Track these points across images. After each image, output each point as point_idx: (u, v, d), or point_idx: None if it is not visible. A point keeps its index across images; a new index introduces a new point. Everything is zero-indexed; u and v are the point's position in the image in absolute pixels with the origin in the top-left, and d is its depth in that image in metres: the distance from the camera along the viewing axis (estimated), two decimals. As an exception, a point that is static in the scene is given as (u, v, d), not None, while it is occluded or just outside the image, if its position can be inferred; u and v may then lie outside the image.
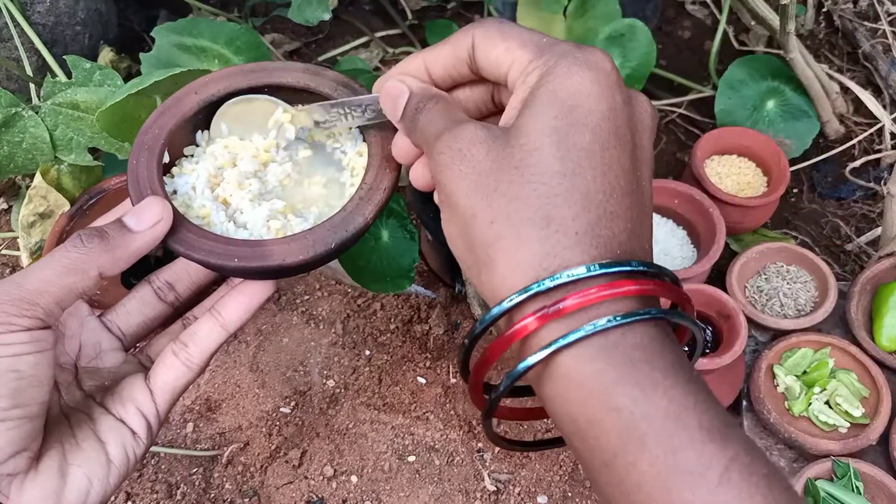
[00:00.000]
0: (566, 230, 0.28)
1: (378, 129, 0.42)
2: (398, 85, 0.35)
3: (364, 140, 0.44)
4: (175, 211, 0.38)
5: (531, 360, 0.28)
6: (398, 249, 0.70)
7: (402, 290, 0.69)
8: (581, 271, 0.27)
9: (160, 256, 0.65)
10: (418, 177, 0.36)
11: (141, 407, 0.38)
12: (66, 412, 0.38)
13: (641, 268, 0.28)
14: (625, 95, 0.30)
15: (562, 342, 0.27)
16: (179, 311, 0.44)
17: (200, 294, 0.44)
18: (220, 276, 0.44)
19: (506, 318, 0.29)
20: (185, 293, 0.43)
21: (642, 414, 0.26)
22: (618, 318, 0.27)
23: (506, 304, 0.28)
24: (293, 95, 0.45)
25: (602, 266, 0.27)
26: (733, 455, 0.25)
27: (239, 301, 0.40)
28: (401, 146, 0.37)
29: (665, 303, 0.30)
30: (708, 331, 0.74)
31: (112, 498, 0.72)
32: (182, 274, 0.43)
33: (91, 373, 0.40)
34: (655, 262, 0.30)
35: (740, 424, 0.75)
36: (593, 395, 0.27)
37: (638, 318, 0.27)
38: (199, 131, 0.44)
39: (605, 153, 0.29)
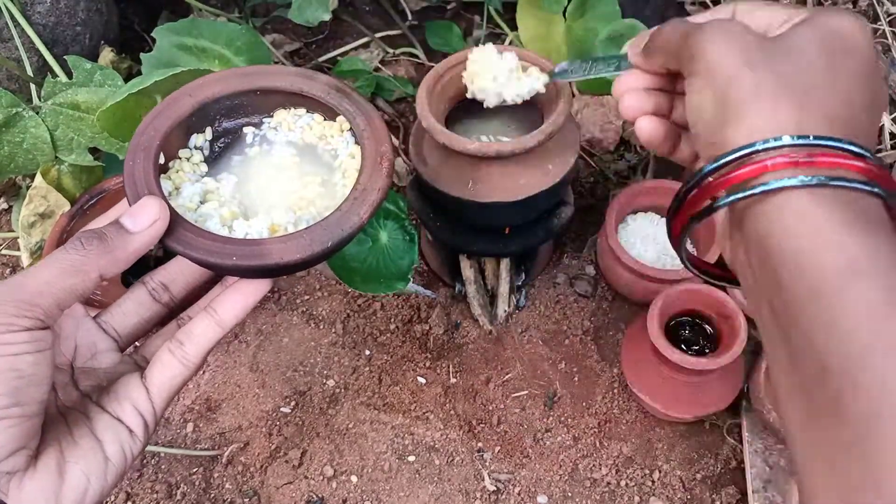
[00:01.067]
0: (821, 111, 0.31)
1: (371, 133, 0.43)
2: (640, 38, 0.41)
3: (356, 142, 0.44)
4: (172, 210, 0.38)
5: (763, 187, 0.30)
6: (397, 251, 0.70)
7: (394, 291, 0.69)
8: (834, 142, 0.30)
9: (160, 256, 0.65)
10: (646, 128, 0.40)
11: (137, 405, 0.39)
12: (62, 411, 0.38)
13: (877, 160, 0.31)
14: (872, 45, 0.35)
15: (798, 181, 0.30)
16: (174, 311, 0.44)
17: (195, 295, 0.44)
18: (214, 278, 0.44)
19: (734, 165, 0.32)
20: (179, 294, 0.43)
21: (869, 255, 0.28)
22: (861, 183, 0.30)
23: (760, 146, 0.31)
24: (286, 98, 0.45)
25: (854, 144, 0.31)
26: None
27: (234, 299, 0.41)
28: (631, 102, 0.41)
29: None
30: (708, 330, 0.75)
31: (112, 498, 0.72)
32: (177, 275, 0.43)
33: (87, 373, 0.40)
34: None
35: (739, 424, 0.75)
36: (821, 231, 0.29)
37: (874, 189, 0.30)
38: (194, 134, 0.44)
39: (860, 74, 0.33)
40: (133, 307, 0.42)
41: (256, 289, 0.41)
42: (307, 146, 0.46)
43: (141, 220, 0.37)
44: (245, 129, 0.46)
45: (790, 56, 0.33)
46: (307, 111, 0.46)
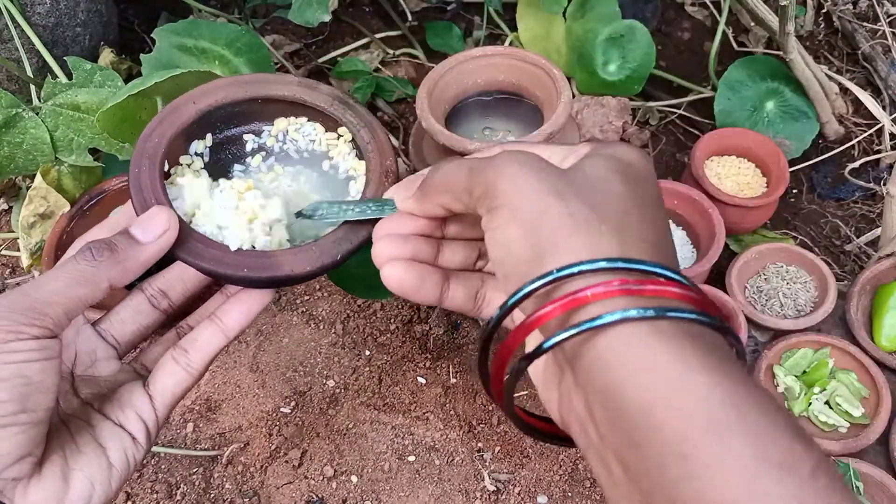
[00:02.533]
0: (639, 239, 0.30)
1: (376, 146, 0.43)
2: (407, 183, 0.38)
3: (358, 156, 0.44)
4: (181, 220, 0.38)
5: (602, 320, 0.27)
6: None
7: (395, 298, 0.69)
8: (662, 269, 0.29)
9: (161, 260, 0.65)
10: (391, 275, 0.36)
11: (140, 412, 0.39)
12: (64, 419, 0.38)
13: (695, 287, 0.29)
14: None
15: (640, 313, 0.27)
16: (173, 318, 0.44)
17: (194, 302, 0.44)
18: (213, 285, 0.44)
19: (545, 295, 0.29)
20: (178, 301, 0.43)
21: (734, 403, 0.25)
22: (697, 314, 0.27)
23: (585, 266, 0.28)
24: (288, 107, 0.45)
25: (678, 273, 0.29)
26: (819, 457, 0.24)
27: (239, 308, 0.41)
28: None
29: None
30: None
31: (112, 498, 0.72)
32: (175, 282, 0.43)
33: (87, 381, 0.40)
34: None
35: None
36: (674, 379, 0.25)
37: (716, 323, 0.28)
38: (195, 140, 0.44)
39: (656, 200, 0.32)
40: (132, 314, 0.42)
41: (261, 298, 0.41)
42: (308, 155, 0.46)
43: (151, 231, 0.37)
44: (245, 137, 0.46)
45: (596, 185, 0.31)
46: (308, 120, 0.46)
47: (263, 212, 0.41)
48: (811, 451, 0.24)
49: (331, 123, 0.46)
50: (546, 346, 0.28)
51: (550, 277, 0.28)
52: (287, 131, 0.46)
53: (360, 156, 0.44)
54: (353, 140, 0.45)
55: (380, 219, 0.38)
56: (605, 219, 0.29)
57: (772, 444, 0.24)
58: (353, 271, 0.68)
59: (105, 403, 0.39)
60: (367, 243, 0.40)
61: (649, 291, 0.28)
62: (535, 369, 0.35)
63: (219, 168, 0.45)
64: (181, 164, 0.44)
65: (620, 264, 0.28)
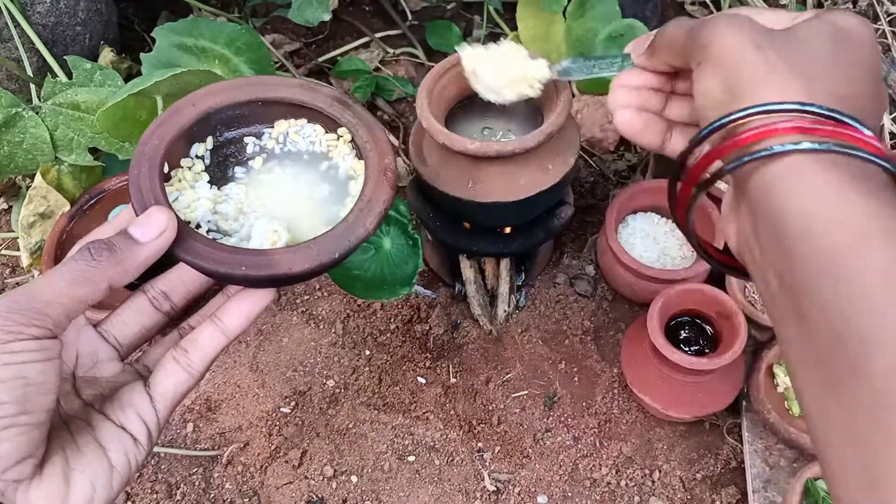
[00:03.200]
0: (829, 91, 0.31)
1: (374, 145, 0.44)
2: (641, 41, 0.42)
3: (358, 155, 0.44)
4: (179, 220, 0.38)
5: (779, 148, 0.30)
6: (401, 258, 0.70)
7: (397, 297, 0.69)
8: (843, 116, 0.30)
9: (163, 261, 0.65)
10: (621, 119, 0.42)
11: (141, 413, 0.39)
12: (65, 420, 0.38)
13: (885, 146, 0.32)
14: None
15: (808, 145, 0.29)
16: (174, 320, 0.44)
17: (195, 303, 0.44)
18: (214, 287, 0.44)
19: (733, 130, 0.32)
20: (180, 302, 0.43)
21: (879, 218, 0.27)
22: (869, 154, 0.29)
23: (770, 107, 0.31)
24: (288, 109, 0.46)
25: (861, 122, 0.31)
26: None
27: (240, 308, 0.41)
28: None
29: None
30: (708, 330, 0.75)
31: (112, 498, 0.72)
32: (177, 283, 0.43)
33: (89, 382, 0.40)
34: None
35: (739, 424, 0.75)
36: (833, 199, 0.28)
37: (887, 166, 0.30)
38: (196, 143, 0.44)
39: (865, 64, 0.33)
40: (133, 316, 0.43)
41: (261, 298, 0.41)
42: (308, 157, 0.46)
43: (149, 231, 0.37)
44: (246, 140, 0.46)
45: (798, 43, 0.33)
46: (308, 122, 0.46)
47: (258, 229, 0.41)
48: None
49: (330, 124, 0.46)
50: (726, 169, 0.32)
51: (735, 116, 0.32)
52: (287, 133, 0.46)
53: (360, 155, 0.44)
54: (352, 140, 0.45)
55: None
56: (799, 70, 0.32)
57: None
58: (354, 273, 0.68)
59: (106, 404, 0.39)
60: (366, 240, 0.40)
61: (824, 132, 0.30)
62: (724, 203, 0.37)
63: (220, 170, 0.45)
64: (182, 167, 0.44)
65: (800, 107, 0.31)
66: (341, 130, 0.45)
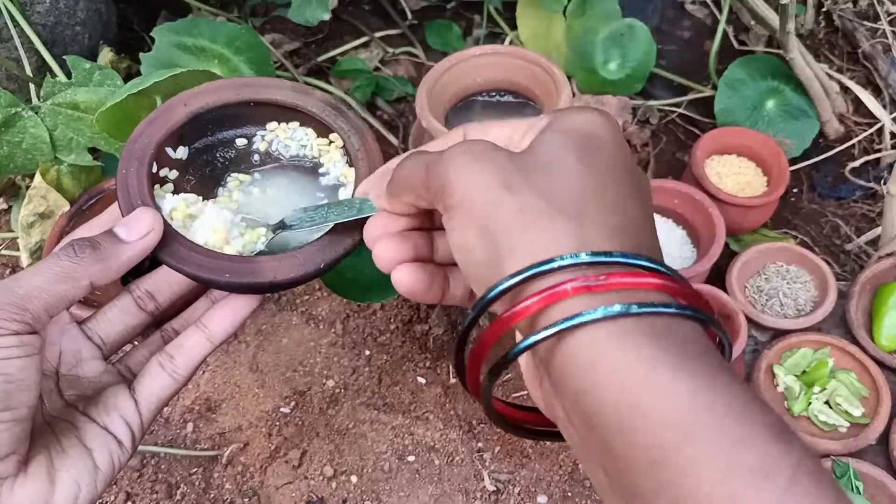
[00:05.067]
0: (598, 225, 0.27)
1: (365, 153, 0.43)
2: (378, 175, 0.37)
3: (349, 163, 0.44)
4: (166, 223, 0.38)
5: (559, 325, 0.25)
6: None
7: (394, 298, 0.69)
8: (627, 258, 0.26)
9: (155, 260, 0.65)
10: (404, 279, 0.34)
11: (126, 416, 0.39)
12: (49, 421, 0.38)
13: (672, 272, 0.27)
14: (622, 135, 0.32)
15: (601, 313, 0.25)
16: (159, 320, 0.44)
17: (181, 305, 0.44)
18: (200, 288, 0.44)
19: (513, 296, 0.28)
20: (165, 303, 0.43)
21: (704, 404, 0.23)
22: (671, 307, 0.25)
23: (542, 267, 0.26)
24: (280, 112, 0.45)
25: (649, 259, 0.27)
26: (799, 457, 0.23)
27: (224, 314, 0.41)
28: (385, 249, 0.35)
29: None
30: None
31: (111, 497, 0.72)
32: (163, 284, 0.43)
33: (71, 381, 0.40)
34: None
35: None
36: (642, 382, 0.24)
37: (689, 313, 0.26)
38: (182, 146, 0.44)
39: (621, 172, 0.30)
40: (118, 315, 0.42)
41: (246, 304, 0.41)
42: (299, 161, 0.46)
43: (134, 231, 0.37)
44: (238, 142, 0.46)
45: (549, 170, 0.29)
46: (300, 125, 0.46)
47: (242, 239, 0.41)
48: (791, 452, 0.23)
49: (322, 129, 0.45)
50: (511, 353, 0.28)
51: (504, 286, 0.27)
52: (279, 136, 0.46)
53: (351, 163, 0.44)
54: (343, 146, 0.45)
55: (362, 218, 0.37)
56: (560, 209, 0.27)
57: (747, 449, 0.23)
58: (348, 275, 0.68)
59: (90, 406, 0.39)
60: (352, 251, 0.40)
61: (615, 285, 0.26)
62: (524, 367, 0.33)
63: (210, 171, 0.45)
64: (171, 168, 0.43)
65: (575, 260, 0.26)
66: (333, 136, 0.45)
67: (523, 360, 0.33)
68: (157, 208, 0.39)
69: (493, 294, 0.28)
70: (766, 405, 0.24)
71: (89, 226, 0.42)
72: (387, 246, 0.35)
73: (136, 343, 0.44)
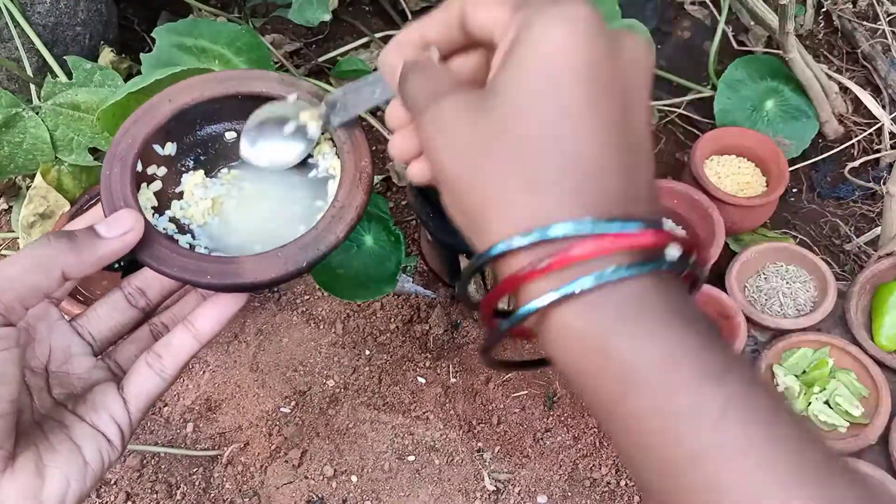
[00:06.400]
0: (550, 190, 0.27)
1: (352, 146, 0.42)
2: (394, 54, 0.34)
3: (336, 155, 0.44)
4: (147, 224, 0.38)
5: (523, 311, 0.27)
6: (383, 254, 0.70)
7: (383, 295, 0.69)
8: (563, 229, 0.26)
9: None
10: (416, 173, 0.35)
11: (114, 416, 0.39)
12: (38, 420, 0.38)
13: (633, 225, 0.27)
14: (608, 41, 0.28)
15: (550, 297, 0.26)
16: (150, 316, 0.44)
17: (172, 300, 0.44)
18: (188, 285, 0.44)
19: (498, 268, 0.29)
20: (155, 300, 0.43)
21: (637, 362, 0.26)
22: (605, 275, 0.26)
23: (491, 253, 0.28)
24: (266, 103, 0.44)
25: (592, 223, 0.26)
26: (731, 393, 0.25)
27: (211, 313, 0.41)
28: (396, 142, 0.36)
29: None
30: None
31: (112, 497, 0.72)
32: (153, 280, 0.43)
33: (61, 378, 0.40)
34: None
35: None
36: (591, 347, 0.26)
37: (625, 274, 0.26)
38: (169, 142, 0.44)
39: (588, 108, 0.27)
40: (109, 311, 0.42)
41: (232, 302, 0.42)
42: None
43: (114, 228, 0.37)
44: (227, 136, 0.46)
45: (508, 127, 0.28)
46: None
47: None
48: (721, 387, 0.25)
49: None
50: (491, 339, 0.31)
51: (483, 259, 0.28)
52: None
53: (339, 154, 0.44)
54: (331, 138, 0.44)
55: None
56: (513, 185, 0.27)
57: (678, 394, 0.25)
58: (338, 272, 0.68)
59: (79, 405, 0.39)
60: (336, 248, 0.40)
61: (552, 266, 0.26)
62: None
63: (200, 166, 0.45)
64: (157, 164, 0.43)
65: (528, 239, 0.27)
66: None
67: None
68: (140, 210, 0.39)
69: (472, 270, 0.30)
70: (707, 344, 0.26)
71: (69, 225, 0.42)
72: (403, 137, 0.35)
73: (124, 338, 0.44)
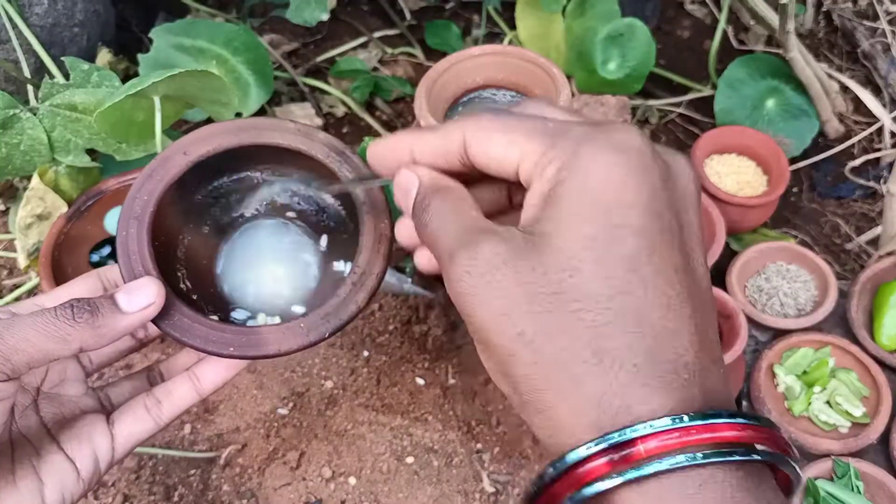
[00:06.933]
0: (623, 363, 0.24)
1: (371, 209, 0.41)
2: (409, 175, 0.31)
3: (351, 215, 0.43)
4: (168, 292, 0.37)
5: (586, 492, 0.24)
6: None
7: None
8: (642, 430, 0.23)
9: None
10: (424, 264, 0.33)
11: (98, 451, 0.39)
12: (13, 440, 0.38)
13: (719, 420, 0.24)
14: (663, 171, 0.26)
15: (615, 481, 0.23)
16: (145, 346, 0.45)
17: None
18: None
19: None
20: (155, 331, 0.43)
21: None
22: (699, 457, 0.23)
23: (573, 457, 0.24)
24: (283, 156, 0.43)
25: (671, 420, 0.23)
26: None
27: (217, 371, 0.42)
28: (404, 233, 0.33)
29: None
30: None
31: (109, 499, 0.72)
32: None
33: (51, 399, 0.40)
34: None
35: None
36: None
37: (724, 458, 0.24)
38: (189, 193, 0.43)
39: (653, 256, 0.25)
40: None
41: (241, 364, 0.42)
42: (302, 205, 0.45)
43: (135, 301, 0.36)
44: (243, 184, 0.45)
45: (565, 288, 0.24)
46: (304, 171, 0.44)
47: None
48: None
49: (326, 174, 0.43)
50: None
51: (558, 471, 0.25)
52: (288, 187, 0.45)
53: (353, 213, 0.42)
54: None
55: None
56: (577, 359, 0.24)
57: None
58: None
59: (63, 431, 0.39)
60: (357, 317, 0.40)
61: (641, 455, 0.23)
62: None
63: (212, 218, 0.44)
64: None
65: (605, 443, 0.24)
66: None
67: None
68: (159, 274, 0.38)
69: (540, 485, 0.26)
70: None
71: (88, 277, 0.41)
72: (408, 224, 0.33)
73: (121, 373, 0.44)
